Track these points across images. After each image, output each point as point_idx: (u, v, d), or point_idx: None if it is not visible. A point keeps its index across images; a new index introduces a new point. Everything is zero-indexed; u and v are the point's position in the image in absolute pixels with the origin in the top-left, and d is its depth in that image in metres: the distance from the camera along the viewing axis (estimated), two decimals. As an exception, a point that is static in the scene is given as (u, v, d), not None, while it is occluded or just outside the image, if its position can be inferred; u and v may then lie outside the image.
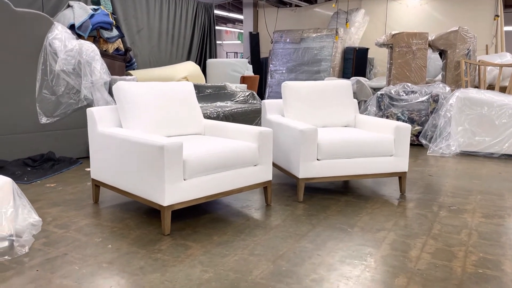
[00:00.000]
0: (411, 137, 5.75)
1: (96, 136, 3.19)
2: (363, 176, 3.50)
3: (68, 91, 4.75)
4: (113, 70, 6.37)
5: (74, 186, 3.78)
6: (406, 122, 5.86)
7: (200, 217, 3.03)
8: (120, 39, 6.51)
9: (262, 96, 11.93)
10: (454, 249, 2.55)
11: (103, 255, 2.42)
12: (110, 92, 5.02)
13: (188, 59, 9.96)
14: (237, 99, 6.47)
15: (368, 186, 3.85)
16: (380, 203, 3.38)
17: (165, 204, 2.66)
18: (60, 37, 4.63)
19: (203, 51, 10.51)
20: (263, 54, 12.37)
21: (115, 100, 3.33)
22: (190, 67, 7.82)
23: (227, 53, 20.14)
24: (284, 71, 11.25)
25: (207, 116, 5.45)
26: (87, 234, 2.72)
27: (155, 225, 2.87)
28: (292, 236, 2.71)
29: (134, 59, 6.91)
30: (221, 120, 5.66)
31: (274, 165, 3.85)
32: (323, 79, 9.62)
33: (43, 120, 4.62)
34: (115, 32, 6.26)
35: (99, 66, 4.86)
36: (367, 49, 10.37)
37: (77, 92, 4.79)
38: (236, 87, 6.95)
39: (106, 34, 6.07)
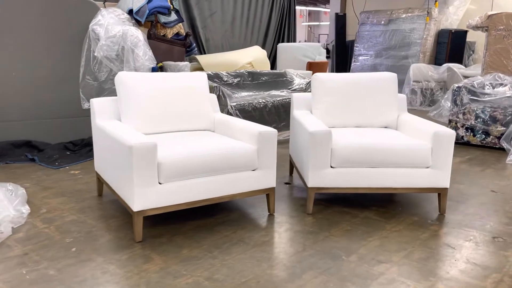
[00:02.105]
0: (491, 139, 4.86)
1: (94, 128, 3.08)
2: (388, 190, 2.94)
3: (112, 77, 4.77)
4: (171, 56, 6.33)
5: (93, 175, 3.76)
6: (486, 121, 4.95)
7: (186, 223, 2.77)
8: (180, 24, 6.43)
9: (344, 82, 11.23)
10: (465, 302, 1.97)
11: (58, 260, 2.29)
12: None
13: (264, 43, 9.67)
14: (295, 88, 6.04)
15: (402, 201, 3.26)
16: (404, 224, 2.81)
17: (134, 209, 2.44)
18: (102, 23, 4.64)
19: (281, 34, 10.13)
20: (350, 37, 11.59)
21: (119, 91, 3.18)
22: (256, 53, 7.52)
23: (319, 35, 19.42)
24: (368, 56, 10.42)
25: (253, 107, 5.14)
26: (63, 232, 2.63)
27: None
28: (271, 259, 2.33)
29: (194, 44, 6.80)
30: (270, 110, 5.31)
31: (296, 169, 3.44)
32: (410, 65, 8.67)
33: (86, 105, 4.69)
34: (173, 17, 6.17)
35: (142, 53, 4.79)
36: (466, 31, 9.12)
37: (118, 78, 4.78)
38: (297, 74, 6.50)
39: (163, 18, 6.01)
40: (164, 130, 3.07)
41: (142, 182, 2.42)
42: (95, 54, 4.54)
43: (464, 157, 4.59)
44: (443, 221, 2.87)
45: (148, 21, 5.96)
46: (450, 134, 2.87)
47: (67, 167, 4.02)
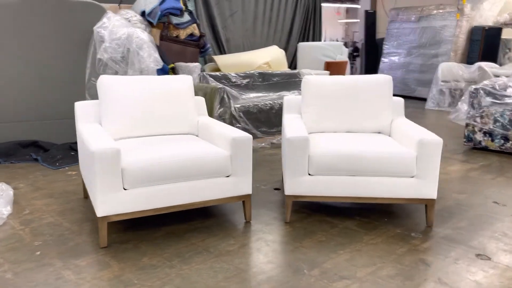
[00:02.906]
0: (511, 144, 4.55)
1: (77, 131, 3.11)
2: (369, 200, 2.79)
3: (117, 79, 4.82)
4: (184, 57, 6.35)
5: (87, 176, 3.81)
6: (505, 125, 4.63)
7: (158, 229, 2.74)
8: (195, 25, 6.44)
9: (372, 82, 10.91)
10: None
11: (19, 263, 2.32)
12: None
13: (288, 42, 9.54)
14: (307, 89, 5.89)
15: (392, 211, 3.09)
16: (384, 237, 2.65)
17: (98, 214, 2.44)
18: (107, 25, 4.70)
19: (306, 33, 9.96)
20: (380, 35, 11.24)
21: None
22: (274, 52, 7.42)
23: (353, 33, 18.95)
24: (397, 54, 10.08)
25: (258, 108, 5.06)
26: (36, 235, 2.66)
27: (109, 232, 2.68)
28: (229, 271, 2.25)
29: (208, 45, 6.78)
30: (277, 112, 5.21)
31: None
32: (439, 64, 8.28)
33: (91, 106, 4.77)
34: (186, 18, 6.19)
35: (146, 54, 4.82)
36: (500, 28, 8.61)
37: (123, 80, 4.83)
38: (312, 75, 6.35)
39: (175, 20, 6.04)
40: (143, 134, 3.06)
41: (105, 187, 2.41)
42: (98, 56, 4.60)
43: (477, 164, 4.31)
44: (428, 235, 2.69)
45: (160, 22, 6.01)
46: (436, 142, 2.68)
47: (66, 168, 4.10)
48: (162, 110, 3.10)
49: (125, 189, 2.49)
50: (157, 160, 2.52)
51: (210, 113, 4.94)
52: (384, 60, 10.41)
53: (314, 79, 3.36)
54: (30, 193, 3.39)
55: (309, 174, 2.79)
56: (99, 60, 4.72)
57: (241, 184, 2.78)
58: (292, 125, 3.03)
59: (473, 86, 4.88)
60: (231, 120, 4.86)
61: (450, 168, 4.17)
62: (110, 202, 2.44)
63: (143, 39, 4.85)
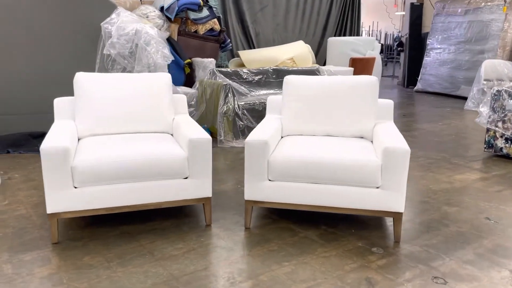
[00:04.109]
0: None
1: (54, 127, 3.19)
2: (331, 209, 2.63)
3: (126, 74, 4.91)
4: (203, 52, 6.37)
5: (80, 169, 3.92)
6: (529, 131, 4.21)
7: (116, 228, 2.76)
8: (215, 20, 6.42)
9: (414, 80, 10.42)
10: None
11: (-30, 254, 2.42)
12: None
13: (323, 36, 9.31)
14: (323, 86, 5.69)
15: (365, 222, 2.90)
16: (341, 250, 2.49)
17: (47, 211, 2.48)
18: (114, 21, 4.79)
19: (343, 27, 9.65)
20: (426, 29, 10.64)
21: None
22: (299, 48, 7.25)
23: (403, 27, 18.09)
24: (441, 50, 9.51)
25: (264, 106, 4.95)
26: (1, 227, 2.77)
27: (67, 228, 2.74)
28: (160, 276, 2.21)
29: (229, 40, 6.74)
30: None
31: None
32: (484, 61, 7.70)
33: (100, 101, 4.90)
34: (204, 13, 6.18)
35: (153, 50, 4.86)
36: (555, 22, 7.82)
37: (130, 75, 4.92)
38: (332, 72, 6.13)
39: (193, 15, 6.05)
40: (115, 132, 3.08)
41: (53, 185, 2.45)
42: (104, 52, 4.71)
43: (490, 173, 3.95)
44: (391, 251, 2.49)
45: (178, 17, 6.04)
46: (402, 151, 2.46)
47: (67, 160, 4.23)
48: (136, 108, 3.10)
49: (75, 187, 2.51)
50: (107, 159, 2.52)
51: (216, 110, 4.92)
52: (428, 56, 9.85)
53: (294, 79, 3.21)
54: (19, 184, 3.54)
55: (269, 180, 2.68)
56: (108, 56, 4.82)
57: (199, 186, 2.72)
58: (260, 127, 2.92)
59: (496, 88, 4.46)
60: (234, 118, 4.80)
61: (457, 176, 3.85)
62: (59, 200, 2.47)
63: (151, 35, 4.90)
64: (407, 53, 10.73)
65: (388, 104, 3.24)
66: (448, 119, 6.65)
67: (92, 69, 4.88)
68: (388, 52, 18.87)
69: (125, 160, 2.55)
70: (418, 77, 10.11)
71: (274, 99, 3.41)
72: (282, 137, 3.19)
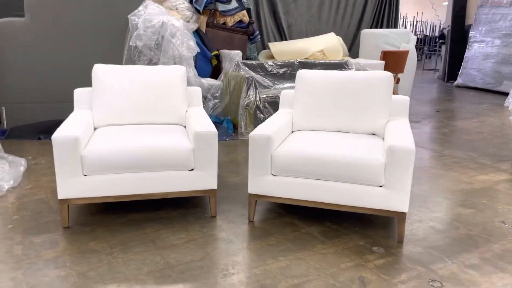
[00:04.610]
0: None
1: (74, 116, 3.33)
2: (333, 206, 2.61)
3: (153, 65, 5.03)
4: (231, 44, 6.40)
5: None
6: None
7: (124, 216, 2.86)
8: (244, 12, 6.43)
9: (455, 74, 10.04)
10: None
11: (-13, 234, 2.58)
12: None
13: (358, 29, 9.12)
14: (350, 80, 5.59)
15: (371, 220, 2.85)
16: (340, 248, 2.47)
17: (58, 197, 2.61)
18: (141, 13, 4.90)
19: (380, 19, 9.42)
20: (469, 21, 10.21)
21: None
22: (330, 40, 7.14)
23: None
24: (484, 43, 9.09)
25: (278, 100, 4.92)
26: (19, 209, 2.93)
27: (80, 214, 2.86)
28: (156, 265, 2.28)
29: (257, 32, 6.73)
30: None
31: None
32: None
33: (127, 91, 5.05)
34: (233, 5, 6.20)
35: (179, 42, 4.95)
36: None
37: (156, 66, 5.03)
38: (361, 65, 6.01)
39: (221, 7, 6.09)
40: (129, 122, 3.17)
41: (64, 172, 2.56)
42: (130, 44, 4.83)
43: (517, 174, 3.77)
44: (391, 251, 2.44)
45: (207, 9, 6.10)
46: (406, 150, 2.40)
47: (92, 148, 4.41)
48: (150, 100, 3.18)
49: (85, 175, 2.62)
50: (115, 150, 2.61)
51: (238, 102, 4.95)
52: (470, 49, 9.45)
53: (307, 73, 3.19)
54: (44, 170, 3.73)
55: (273, 174, 2.69)
56: (135, 48, 4.95)
57: (204, 178, 2.77)
58: (267, 122, 2.92)
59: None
60: (255, 110, 4.82)
61: (480, 177, 3.70)
62: (70, 187, 2.59)
63: (177, 27, 4.98)
64: (448, 46, 10.33)
65: (404, 100, 3.16)
66: (483, 116, 6.37)
67: (120, 60, 5.03)
68: (433, 44, 18.21)
69: (132, 151, 2.63)
70: (459, 71, 9.72)
71: (288, 93, 3.39)
72: (292, 131, 3.18)
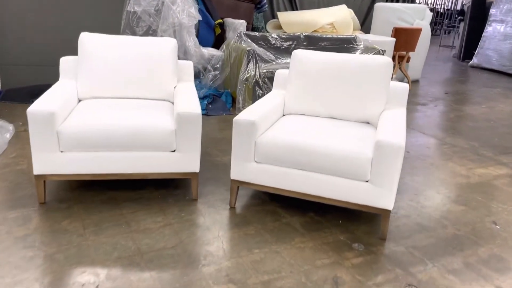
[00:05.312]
0: None
1: (59, 86, 3.22)
2: (315, 198, 2.51)
3: (151, 33, 4.87)
4: (236, 12, 6.18)
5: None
6: None
7: (103, 193, 2.79)
8: (252, -22, 6.15)
9: (471, 53, 9.67)
10: None
11: (-38, 206, 2.54)
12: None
13: (373, 1, 8.74)
14: (356, 58, 5.37)
15: (357, 214, 2.75)
16: (319, 242, 2.38)
17: (34, 172, 2.54)
18: (141, -22, 4.69)
19: (396, -9, 9.01)
20: (492, -2, 9.72)
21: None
22: (341, 13, 6.86)
23: None
24: (504, 23, 8.68)
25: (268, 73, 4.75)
26: (0, 180, 2.88)
27: (59, 189, 2.80)
28: (124, 249, 2.22)
29: (265, 1, 6.46)
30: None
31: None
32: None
33: (124, 58, 4.91)
34: (240, -29, 5.93)
35: (179, 9, 4.76)
36: None
37: (155, 33, 4.87)
38: (370, 41, 5.76)
39: (227, -27, 5.82)
40: (114, 96, 3.06)
41: (40, 148, 2.48)
42: (128, 9, 4.66)
43: (518, 170, 3.62)
44: (371, 249, 2.35)
45: (213, -25, 5.83)
46: (395, 146, 2.27)
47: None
48: (137, 73, 3.06)
49: (61, 152, 2.54)
50: (91, 127, 2.52)
51: (237, 77, 4.80)
52: (489, 28, 9.05)
53: (302, 54, 3.02)
54: (32, 138, 3.66)
55: (256, 161, 2.58)
56: (133, 13, 4.77)
57: (186, 161, 2.68)
58: (256, 105, 2.79)
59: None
60: (254, 86, 4.67)
61: (478, 170, 3.56)
62: (46, 162, 2.52)
63: (178, -6, 4.77)
64: (467, 23, 9.91)
65: (403, 88, 2.99)
66: (494, 101, 6.13)
67: (119, 25, 4.87)
68: (453, 19, 17.55)
69: (110, 129, 2.53)
70: (475, 50, 9.35)
71: (282, 73, 3.24)
72: (284, 115, 3.05)
